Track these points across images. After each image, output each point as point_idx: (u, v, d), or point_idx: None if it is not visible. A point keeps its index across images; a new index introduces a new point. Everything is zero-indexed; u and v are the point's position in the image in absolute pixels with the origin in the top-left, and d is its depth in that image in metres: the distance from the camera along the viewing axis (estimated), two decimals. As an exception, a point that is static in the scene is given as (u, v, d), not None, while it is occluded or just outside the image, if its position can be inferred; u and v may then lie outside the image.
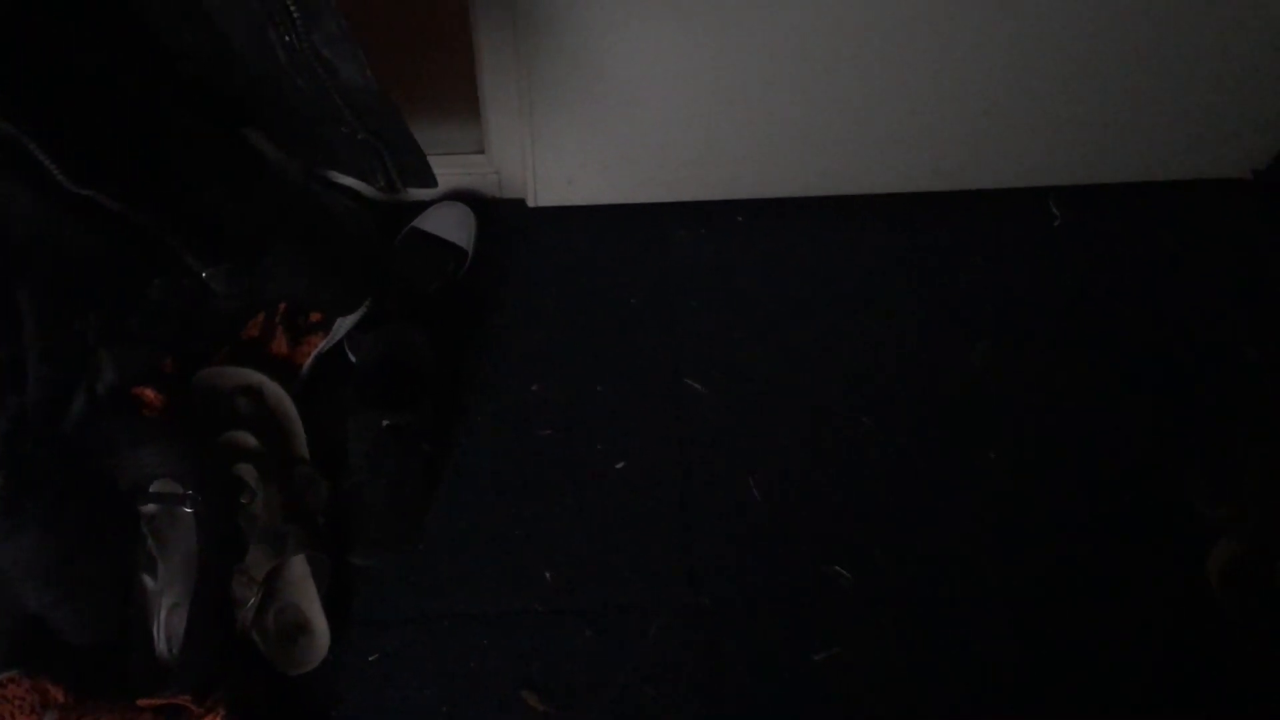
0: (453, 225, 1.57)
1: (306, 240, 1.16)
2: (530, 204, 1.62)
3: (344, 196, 1.43)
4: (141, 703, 1.17)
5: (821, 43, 1.38)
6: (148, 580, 1.25)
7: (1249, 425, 1.45)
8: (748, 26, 1.35)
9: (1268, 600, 1.33)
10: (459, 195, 1.61)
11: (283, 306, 1.42)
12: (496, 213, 1.62)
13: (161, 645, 1.23)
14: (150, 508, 1.25)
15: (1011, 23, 1.38)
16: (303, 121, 0.93)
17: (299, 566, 1.29)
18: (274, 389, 1.38)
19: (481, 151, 1.58)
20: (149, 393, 1.31)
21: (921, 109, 1.50)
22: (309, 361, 1.43)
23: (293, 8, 0.78)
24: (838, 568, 1.38)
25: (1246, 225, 1.66)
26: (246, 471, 1.29)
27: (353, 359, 1.45)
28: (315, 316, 1.43)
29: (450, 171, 1.59)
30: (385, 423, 1.32)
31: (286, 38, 0.80)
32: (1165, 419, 1.49)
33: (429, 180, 1.06)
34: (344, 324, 1.44)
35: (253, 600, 1.24)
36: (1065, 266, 1.61)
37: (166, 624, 1.24)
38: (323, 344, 1.43)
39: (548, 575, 1.36)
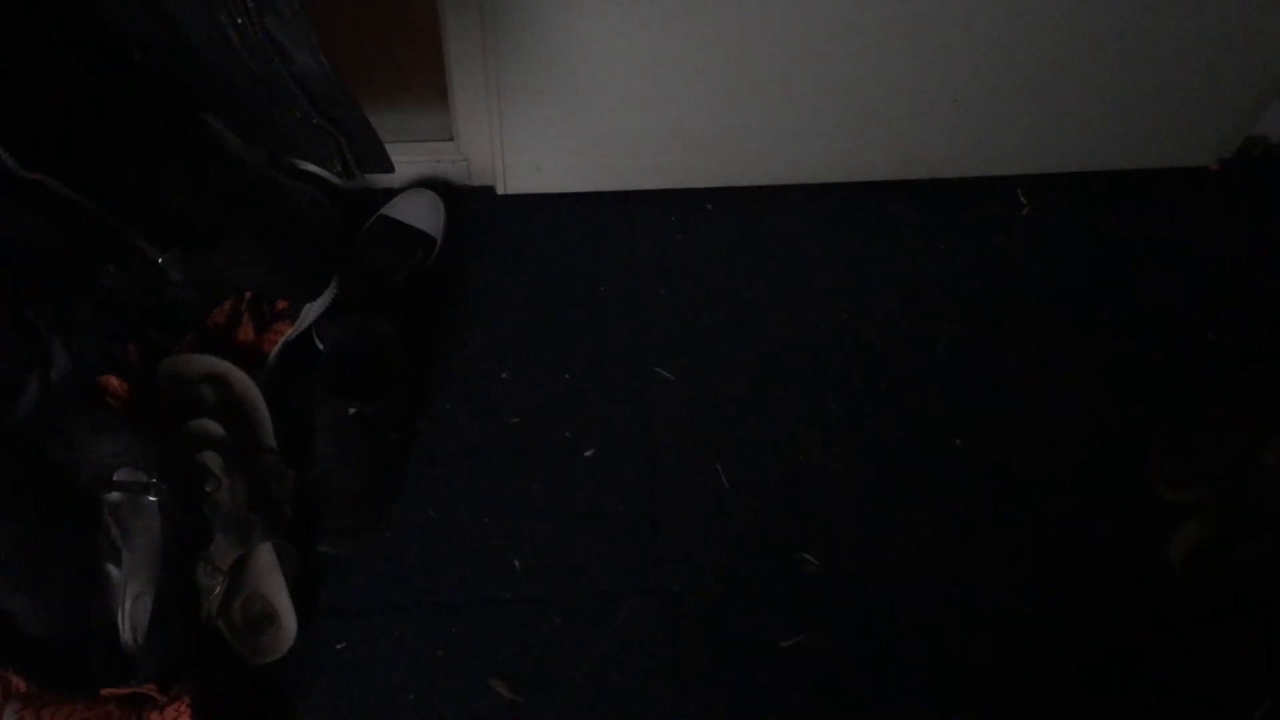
0: (422, 213, 1.56)
1: (264, 226, 1.15)
2: (499, 191, 1.61)
3: (307, 184, 1.42)
4: (105, 693, 1.16)
5: (791, 31, 1.38)
6: (112, 570, 1.24)
7: (1209, 410, 1.46)
8: (717, 14, 1.35)
9: (1229, 583, 1.34)
10: (428, 183, 1.60)
11: (249, 294, 1.41)
12: (466, 200, 1.61)
13: (126, 635, 1.23)
14: (114, 496, 1.24)
15: (981, 12, 1.38)
16: (257, 107, 0.93)
17: (265, 555, 1.28)
18: (240, 377, 1.37)
19: (450, 139, 1.58)
20: (114, 381, 1.30)
21: (890, 98, 1.50)
22: (276, 349, 1.42)
23: (245, -9, 0.77)
24: (805, 554, 1.38)
25: (1212, 213, 1.67)
26: (211, 460, 1.28)
27: (321, 347, 1.44)
28: (282, 304, 1.42)
29: (419, 159, 1.59)
30: (352, 411, 1.31)
31: (239, 20, 0.79)
32: (1130, 404, 1.50)
33: (386, 166, 1.05)
34: (311, 311, 1.43)
35: (218, 589, 1.24)
36: (1033, 254, 1.62)
37: (131, 613, 1.23)
38: (290, 332, 1.42)
39: (516, 563, 1.36)
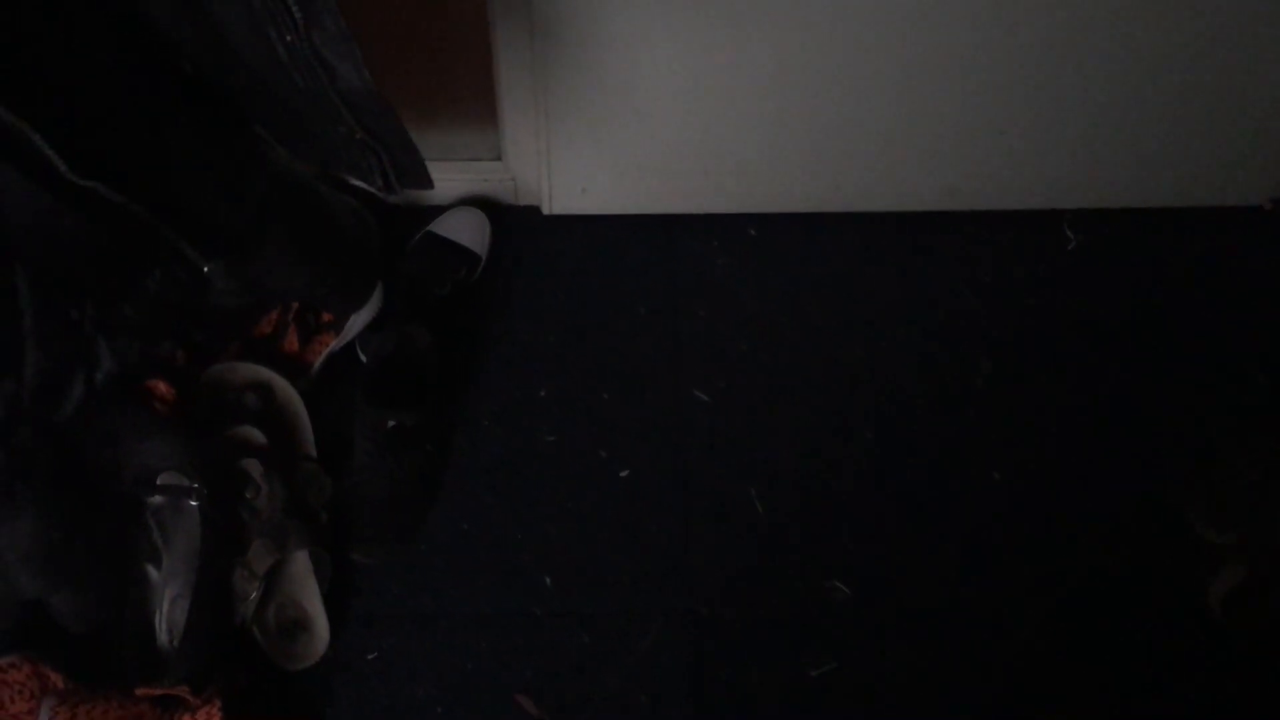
0: (467, 230, 1.58)
1: (304, 237, 1.17)
2: (545, 211, 1.63)
3: (351, 197, 1.45)
4: (139, 692, 1.18)
5: (836, 58, 1.39)
6: (151, 571, 1.26)
7: (1250, 452, 1.43)
8: (764, 43, 1.36)
9: (1270, 626, 1.32)
10: (475, 201, 1.62)
11: (295, 305, 1.44)
12: (512, 219, 1.63)
13: (163, 636, 1.25)
14: (156, 499, 1.26)
15: (1031, 42, 1.37)
16: (302, 120, 0.95)
17: (301, 563, 1.30)
18: (283, 386, 1.39)
19: (498, 158, 1.60)
20: (161, 385, 1.33)
21: (936, 127, 1.50)
22: (319, 360, 1.44)
23: (294, 7, 0.79)
24: (837, 583, 1.37)
25: (1263, 253, 1.64)
26: (252, 466, 1.30)
27: (364, 359, 1.46)
28: (327, 316, 1.45)
29: (467, 177, 1.61)
30: (391, 423, 1.33)
31: (287, 37, 0.81)
32: (1172, 444, 1.47)
33: (425, 182, 1.06)
34: (356, 324, 1.45)
35: (254, 595, 1.25)
36: (1078, 290, 1.60)
37: (169, 615, 1.25)
38: (334, 343, 1.45)
39: (547, 579, 1.36)
